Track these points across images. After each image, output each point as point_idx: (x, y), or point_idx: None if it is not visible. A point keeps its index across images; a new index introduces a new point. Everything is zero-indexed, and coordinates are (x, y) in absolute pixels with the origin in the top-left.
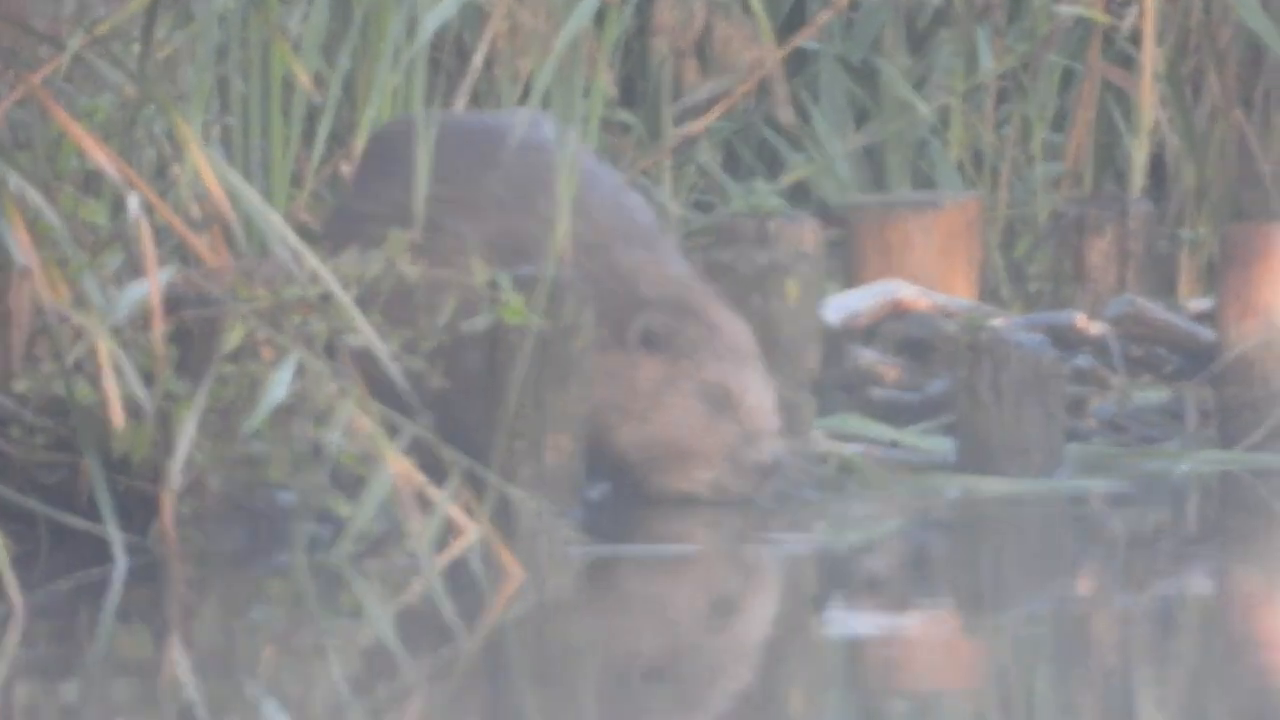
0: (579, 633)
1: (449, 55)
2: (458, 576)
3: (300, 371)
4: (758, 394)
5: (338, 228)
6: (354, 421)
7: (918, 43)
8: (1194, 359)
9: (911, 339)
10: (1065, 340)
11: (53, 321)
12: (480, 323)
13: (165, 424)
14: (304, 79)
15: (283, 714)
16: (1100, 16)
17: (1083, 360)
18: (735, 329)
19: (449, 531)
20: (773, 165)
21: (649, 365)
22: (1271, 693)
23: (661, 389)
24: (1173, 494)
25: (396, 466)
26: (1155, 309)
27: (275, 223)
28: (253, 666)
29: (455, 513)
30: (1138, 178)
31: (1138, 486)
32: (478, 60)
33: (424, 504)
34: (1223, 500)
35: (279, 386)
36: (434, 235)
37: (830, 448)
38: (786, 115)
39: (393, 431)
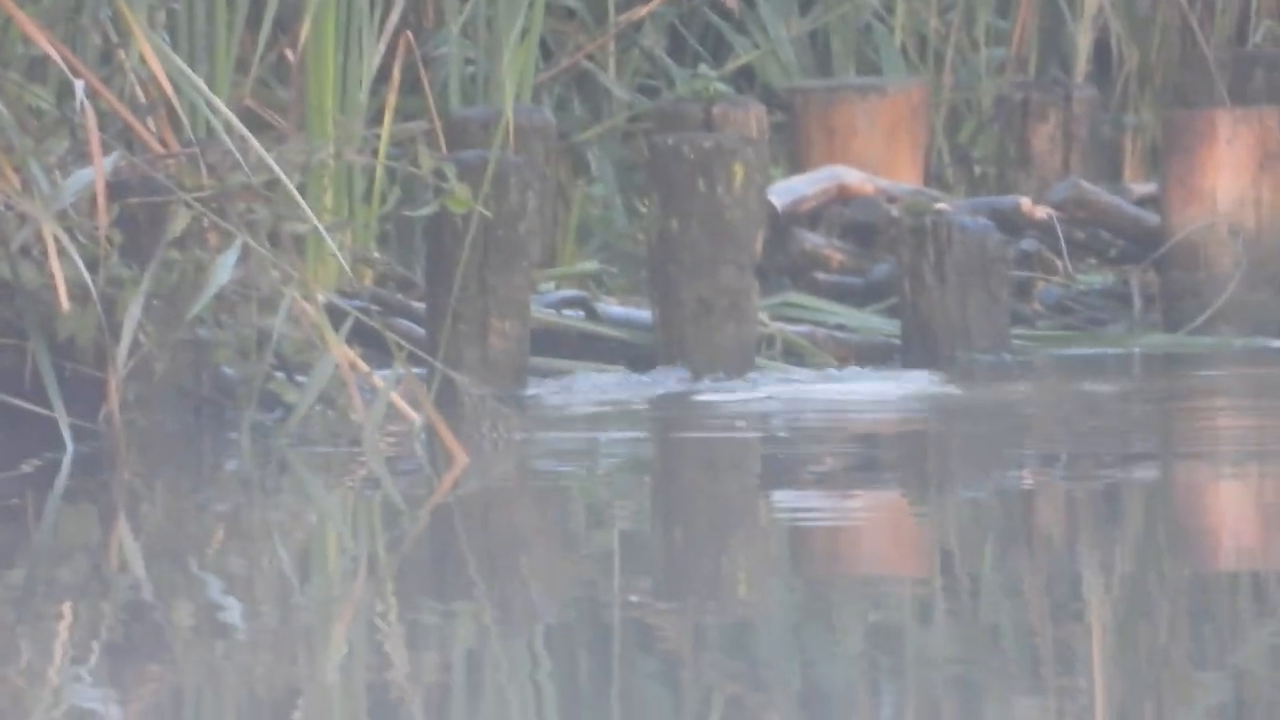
0: (522, 515)
1: None
2: (402, 461)
3: (245, 258)
4: None
5: None
6: (297, 308)
7: None
8: (1139, 243)
9: (856, 223)
10: (1010, 224)
11: None
12: (426, 211)
13: (111, 309)
14: None
15: (230, 596)
16: None
17: (1027, 244)
18: None
19: (394, 416)
20: (718, 50)
21: None
22: (1210, 574)
23: None
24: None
25: (340, 353)
26: (1100, 193)
27: (220, 109)
28: (201, 549)
29: (398, 399)
30: (1082, 62)
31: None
32: None
33: (368, 389)
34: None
35: (223, 271)
36: None
37: (776, 329)
38: (731, 0)
39: (337, 318)
